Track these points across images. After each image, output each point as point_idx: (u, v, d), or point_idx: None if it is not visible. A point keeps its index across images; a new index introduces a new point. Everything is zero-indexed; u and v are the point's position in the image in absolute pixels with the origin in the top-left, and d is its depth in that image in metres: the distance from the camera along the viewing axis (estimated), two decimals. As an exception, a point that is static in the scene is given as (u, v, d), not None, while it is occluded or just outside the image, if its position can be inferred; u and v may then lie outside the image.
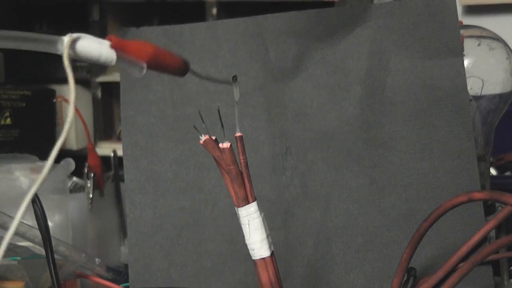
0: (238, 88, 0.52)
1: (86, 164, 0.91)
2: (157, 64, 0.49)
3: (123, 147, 0.72)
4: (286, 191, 0.69)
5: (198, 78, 0.55)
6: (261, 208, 0.51)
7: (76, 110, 0.99)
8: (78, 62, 2.20)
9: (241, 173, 0.51)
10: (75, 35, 0.46)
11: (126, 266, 0.75)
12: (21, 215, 0.42)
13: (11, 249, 0.68)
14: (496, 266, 0.69)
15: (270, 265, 0.51)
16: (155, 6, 1.89)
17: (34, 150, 0.85)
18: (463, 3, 2.01)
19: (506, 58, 0.75)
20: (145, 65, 0.48)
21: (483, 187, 0.72)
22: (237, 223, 0.52)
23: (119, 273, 0.75)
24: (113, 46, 0.47)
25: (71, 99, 0.43)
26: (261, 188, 0.69)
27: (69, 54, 0.45)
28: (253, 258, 0.51)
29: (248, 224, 0.51)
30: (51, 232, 0.62)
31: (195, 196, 0.70)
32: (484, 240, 0.64)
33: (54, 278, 0.61)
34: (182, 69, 0.52)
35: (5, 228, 0.67)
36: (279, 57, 0.71)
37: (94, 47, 0.46)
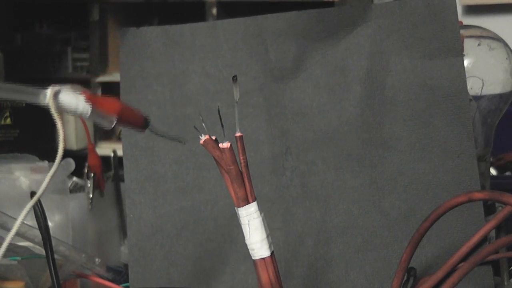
0: (238, 88, 0.52)
1: (86, 164, 0.91)
2: (123, 119, 0.54)
3: (123, 147, 0.72)
4: (286, 191, 0.69)
5: (156, 135, 0.60)
6: (261, 208, 0.51)
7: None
8: (78, 62, 2.21)
9: (241, 173, 0.51)
10: (56, 88, 0.49)
11: (126, 266, 0.75)
12: (23, 217, 0.45)
13: (11, 249, 0.68)
14: (496, 266, 0.69)
15: (270, 265, 0.51)
16: (155, 6, 1.90)
17: (34, 150, 0.85)
18: (463, 3, 2.01)
19: (506, 58, 0.75)
20: (114, 119, 0.52)
21: (483, 187, 0.72)
22: (237, 223, 0.52)
23: (119, 273, 0.75)
24: (86, 100, 0.50)
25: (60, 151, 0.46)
26: (261, 188, 0.69)
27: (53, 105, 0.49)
28: (253, 258, 0.51)
29: (248, 224, 0.51)
30: (51, 232, 0.62)
31: (195, 196, 0.70)
32: (484, 240, 0.64)
33: (54, 278, 0.61)
34: (143, 125, 0.57)
35: (5, 228, 0.67)
36: (279, 57, 0.71)
37: (72, 100, 0.50)
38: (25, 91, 0.49)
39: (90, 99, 0.51)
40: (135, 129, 0.57)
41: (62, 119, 0.49)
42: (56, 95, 0.49)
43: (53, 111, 0.49)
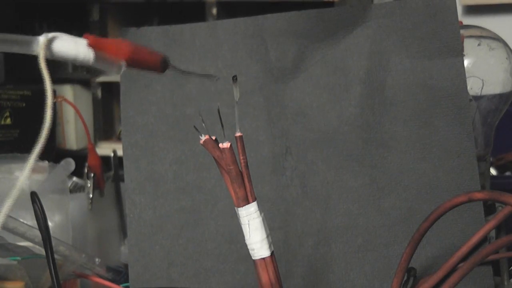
0: (238, 88, 0.52)
1: (86, 164, 0.91)
2: (136, 62, 0.49)
3: (123, 147, 0.72)
4: (286, 191, 0.69)
5: (180, 73, 0.54)
6: (261, 208, 0.51)
7: (76, 110, 0.99)
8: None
9: (241, 173, 0.51)
10: (50, 34, 0.45)
11: (126, 266, 0.75)
12: (14, 198, 0.42)
13: (11, 249, 0.68)
14: (496, 266, 0.69)
15: (270, 265, 0.51)
16: (155, 6, 1.90)
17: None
18: (463, 3, 2.01)
19: (506, 58, 0.75)
20: (123, 63, 0.48)
21: (483, 187, 0.72)
22: (237, 223, 0.52)
23: (119, 273, 0.75)
24: (90, 45, 0.46)
25: (48, 102, 0.43)
26: (261, 188, 0.69)
27: (45, 54, 0.45)
28: (253, 258, 0.51)
29: (248, 224, 0.51)
30: (51, 232, 0.62)
31: (195, 196, 0.70)
32: (484, 240, 0.64)
33: (54, 278, 0.61)
34: (161, 66, 0.52)
35: (5, 228, 0.67)
36: (279, 57, 0.71)
37: (71, 46, 0.46)
38: (16, 40, 0.45)
39: (94, 44, 0.46)
40: (153, 72, 0.52)
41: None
42: (50, 42, 0.45)
43: (42, 64, 0.44)
